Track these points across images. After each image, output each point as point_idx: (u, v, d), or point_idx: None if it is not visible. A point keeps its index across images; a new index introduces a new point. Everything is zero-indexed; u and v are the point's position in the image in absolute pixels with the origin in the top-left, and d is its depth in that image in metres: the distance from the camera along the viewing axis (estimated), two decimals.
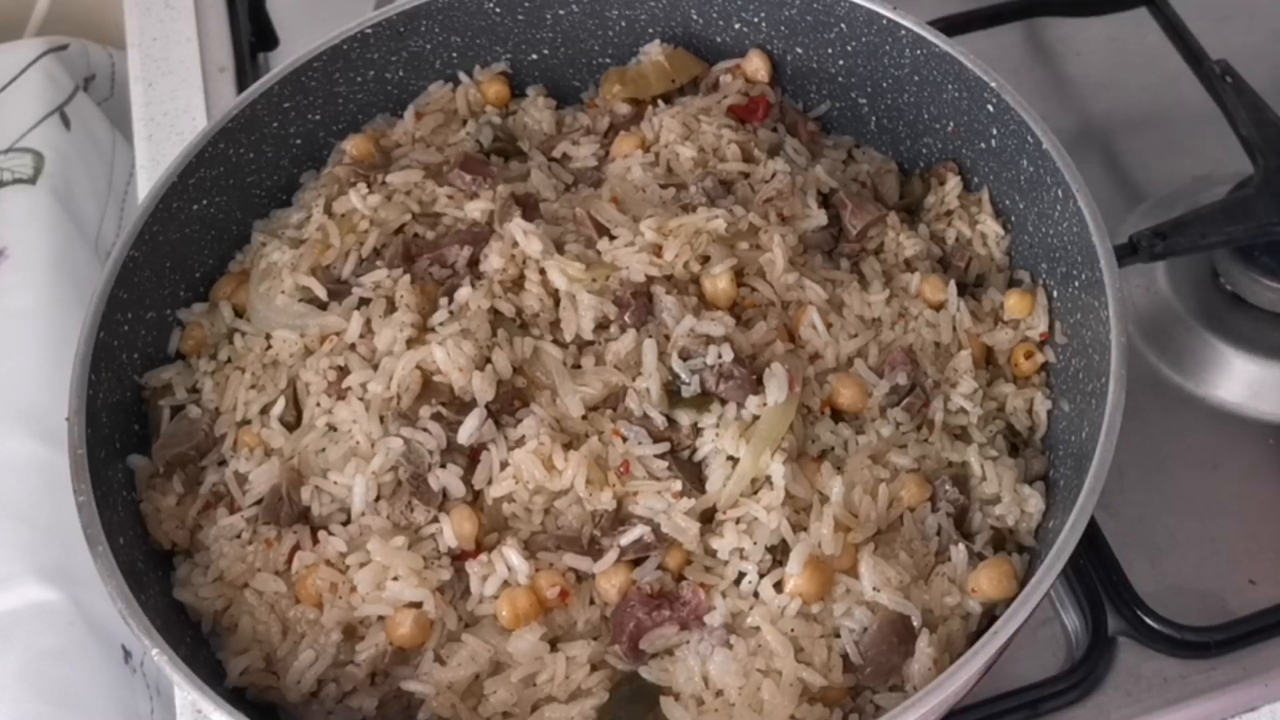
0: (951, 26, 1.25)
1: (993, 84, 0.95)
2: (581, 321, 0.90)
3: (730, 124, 1.03)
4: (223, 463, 0.91)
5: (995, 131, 0.98)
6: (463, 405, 0.87)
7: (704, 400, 0.87)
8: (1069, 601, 0.98)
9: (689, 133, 1.02)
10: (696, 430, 0.87)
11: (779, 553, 0.83)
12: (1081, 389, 0.89)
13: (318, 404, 0.90)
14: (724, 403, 0.87)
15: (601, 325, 0.91)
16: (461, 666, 0.82)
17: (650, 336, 0.89)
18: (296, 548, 0.86)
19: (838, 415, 0.90)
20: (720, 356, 0.87)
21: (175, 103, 1.35)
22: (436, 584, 0.83)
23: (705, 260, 0.93)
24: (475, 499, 0.86)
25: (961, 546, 0.85)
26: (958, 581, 0.84)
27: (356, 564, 0.84)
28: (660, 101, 1.07)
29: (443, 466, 0.86)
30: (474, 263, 0.95)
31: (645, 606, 0.81)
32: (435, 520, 0.85)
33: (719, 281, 0.91)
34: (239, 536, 0.87)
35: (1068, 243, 0.91)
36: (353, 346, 0.91)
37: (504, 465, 0.86)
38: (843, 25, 1.04)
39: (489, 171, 1.01)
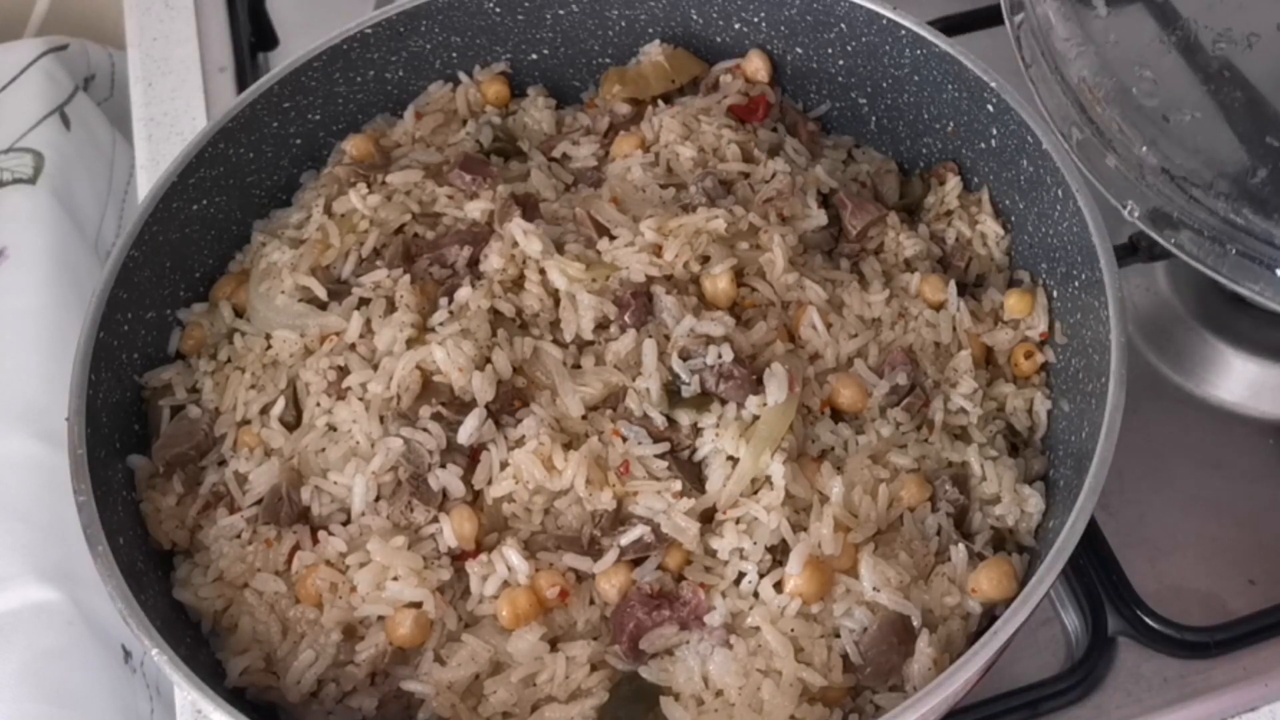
0: (951, 26, 1.24)
1: (993, 84, 0.95)
2: (581, 321, 0.90)
3: (730, 124, 1.03)
4: (223, 463, 0.91)
5: (995, 131, 0.98)
6: (463, 405, 0.87)
7: (704, 400, 0.87)
8: (1069, 601, 0.98)
9: (689, 133, 1.02)
10: (696, 430, 0.87)
11: (779, 553, 0.83)
12: (1081, 389, 0.89)
13: (318, 404, 0.90)
14: (724, 403, 0.87)
15: (601, 325, 0.91)
16: (461, 666, 0.82)
17: (650, 336, 0.89)
18: (296, 548, 0.86)
19: (838, 415, 0.90)
20: (720, 356, 0.87)
21: (175, 103, 1.35)
22: (436, 584, 0.83)
23: (705, 260, 0.93)
24: (475, 499, 0.86)
25: (961, 546, 0.85)
26: (958, 581, 0.84)
27: (356, 564, 0.84)
28: (660, 101, 1.07)
29: (443, 466, 0.86)
30: (474, 263, 0.95)
31: (645, 606, 0.81)
32: (435, 520, 0.85)
33: (719, 281, 0.91)
34: (239, 536, 0.87)
35: (1068, 243, 0.91)
36: (353, 346, 0.91)
37: (504, 465, 0.86)
38: (843, 25, 1.04)
39: (489, 171, 1.01)
